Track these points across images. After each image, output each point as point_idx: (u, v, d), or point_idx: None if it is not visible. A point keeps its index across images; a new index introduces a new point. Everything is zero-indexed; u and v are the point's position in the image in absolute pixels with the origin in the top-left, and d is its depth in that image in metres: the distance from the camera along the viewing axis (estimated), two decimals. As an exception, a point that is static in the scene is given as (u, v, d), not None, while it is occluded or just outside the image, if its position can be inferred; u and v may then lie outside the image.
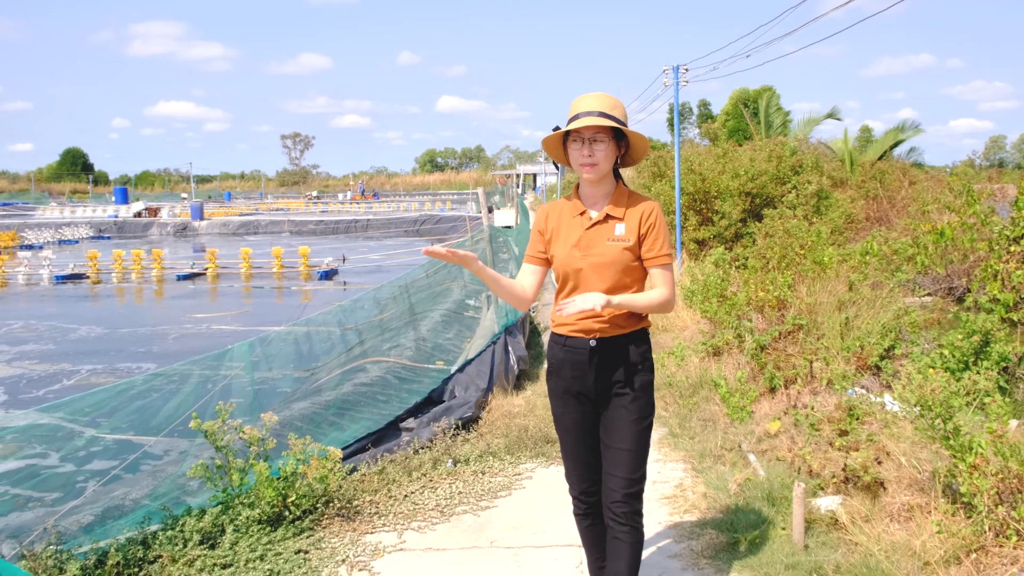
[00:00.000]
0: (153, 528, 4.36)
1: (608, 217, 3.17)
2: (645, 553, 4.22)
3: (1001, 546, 3.63)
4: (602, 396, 3.23)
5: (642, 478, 3.23)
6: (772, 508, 4.48)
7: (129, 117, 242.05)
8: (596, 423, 3.30)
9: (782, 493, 4.59)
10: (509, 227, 28.20)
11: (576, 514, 3.48)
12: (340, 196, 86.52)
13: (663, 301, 3.11)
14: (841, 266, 8.84)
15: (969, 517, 3.80)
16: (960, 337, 5.99)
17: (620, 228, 3.15)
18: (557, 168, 3.21)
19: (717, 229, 13.94)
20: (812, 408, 5.62)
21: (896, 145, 31.24)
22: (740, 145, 21.56)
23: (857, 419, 5.21)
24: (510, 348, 7.94)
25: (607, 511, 3.25)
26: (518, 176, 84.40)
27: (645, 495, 4.90)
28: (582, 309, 2.90)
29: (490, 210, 26.96)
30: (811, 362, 6.35)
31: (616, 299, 3.00)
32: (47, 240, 38.91)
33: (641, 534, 3.25)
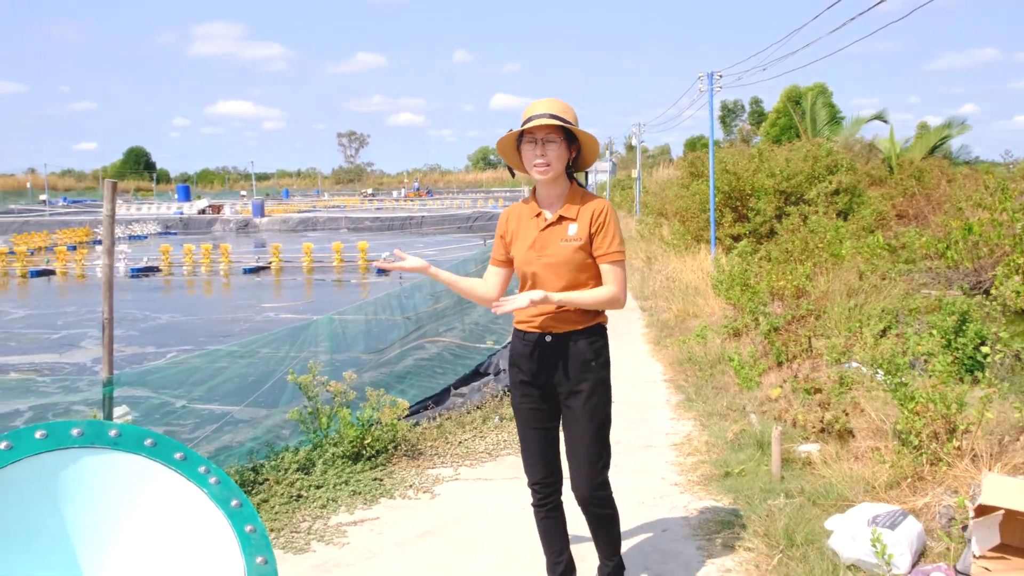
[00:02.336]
0: (260, 461, 5.46)
1: (561, 218, 3.30)
2: (652, 482, 5.22)
3: (934, 474, 4.56)
4: (558, 389, 3.38)
5: (603, 468, 3.41)
6: (760, 452, 5.44)
7: (190, 116, 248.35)
8: (552, 415, 3.45)
9: (770, 440, 5.54)
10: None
11: (533, 505, 3.61)
12: (395, 193, 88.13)
13: (609, 298, 3.26)
14: (855, 258, 9.70)
15: (911, 453, 4.73)
16: (942, 318, 6.87)
17: (573, 228, 3.28)
18: (512, 174, 3.61)
19: (752, 225, 14.80)
20: (807, 377, 6.56)
21: (944, 141, 31.53)
22: (780, 144, 22.27)
23: (848, 386, 6.15)
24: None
25: (577, 500, 3.44)
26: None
27: (658, 440, 5.92)
28: (517, 307, 3.12)
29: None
30: (809, 338, 7.26)
31: (557, 296, 3.18)
32: (118, 236, 40.64)
33: (613, 511, 3.52)
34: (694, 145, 66.64)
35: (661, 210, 22.67)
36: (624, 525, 4.55)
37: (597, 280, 3.32)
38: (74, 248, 32.82)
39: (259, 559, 3.33)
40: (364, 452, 5.64)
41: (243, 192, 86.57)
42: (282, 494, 5.04)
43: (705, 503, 4.84)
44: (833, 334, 7.45)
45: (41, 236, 36.35)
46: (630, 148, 65.05)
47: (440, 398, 7.21)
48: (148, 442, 3.42)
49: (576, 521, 3.69)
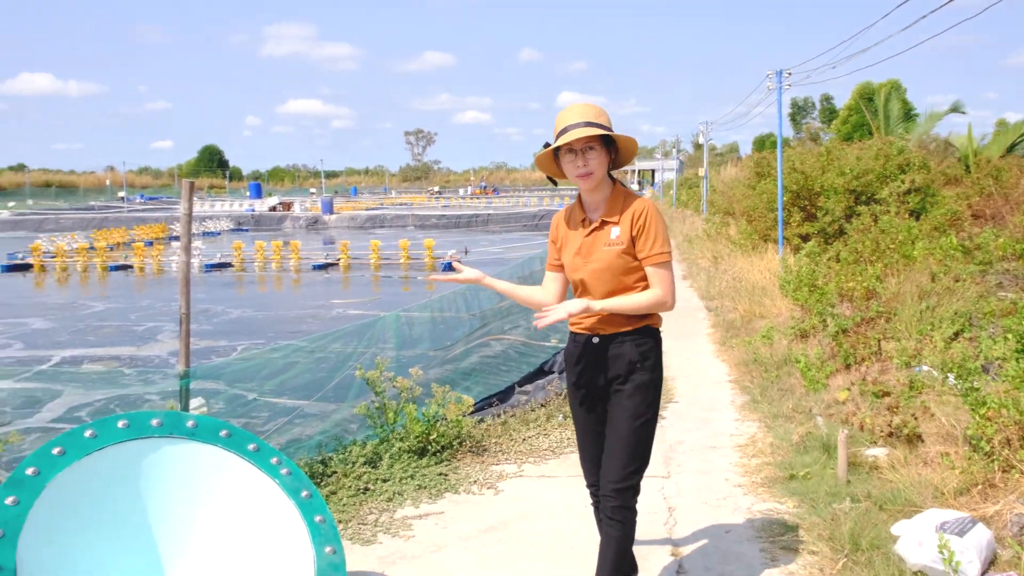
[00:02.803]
0: (328, 454, 5.59)
1: (604, 222, 3.26)
2: (716, 483, 5.21)
3: (1005, 482, 4.48)
4: (605, 391, 3.34)
5: (634, 474, 3.29)
6: (826, 455, 5.39)
7: (261, 115, 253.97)
8: (604, 418, 3.39)
9: (836, 444, 5.48)
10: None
11: (592, 505, 3.61)
12: (461, 191, 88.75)
13: (654, 302, 3.19)
14: (927, 259, 9.51)
15: (982, 459, 4.65)
16: (1018, 321, 6.71)
17: (615, 232, 3.23)
18: (555, 184, 3.67)
19: (820, 225, 14.57)
20: (875, 380, 6.47)
21: (1023, 139, 30.54)
22: (851, 142, 21.86)
23: (918, 390, 6.05)
24: (616, 328, 8.96)
25: (601, 502, 3.37)
26: (636, 172, 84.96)
27: (722, 441, 5.90)
28: (556, 319, 3.10)
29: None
30: (879, 340, 7.15)
31: (598, 305, 3.16)
32: (192, 232, 41.79)
33: (629, 529, 3.33)
34: (763, 143, 65.74)
35: (728, 209, 22.43)
36: (686, 526, 4.59)
37: (647, 283, 3.24)
38: (151, 244, 33.72)
39: (328, 549, 3.44)
40: (429, 447, 5.73)
41: (312, 189, 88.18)
42: (350, 487, 5.16)
43: (769, 505, 4.82)
44: (903, 337, 7.33)
45: (120, 232, 37.48)
46: (697, 146, 64.45)
47: (505, 395, 7.28)
48: (223, 433, 3.56)
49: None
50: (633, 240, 3.20)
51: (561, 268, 3.47)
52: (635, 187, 65.63)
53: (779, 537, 4.37)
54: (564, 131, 3.21)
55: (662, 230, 3.21)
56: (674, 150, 66.74)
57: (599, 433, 3.41)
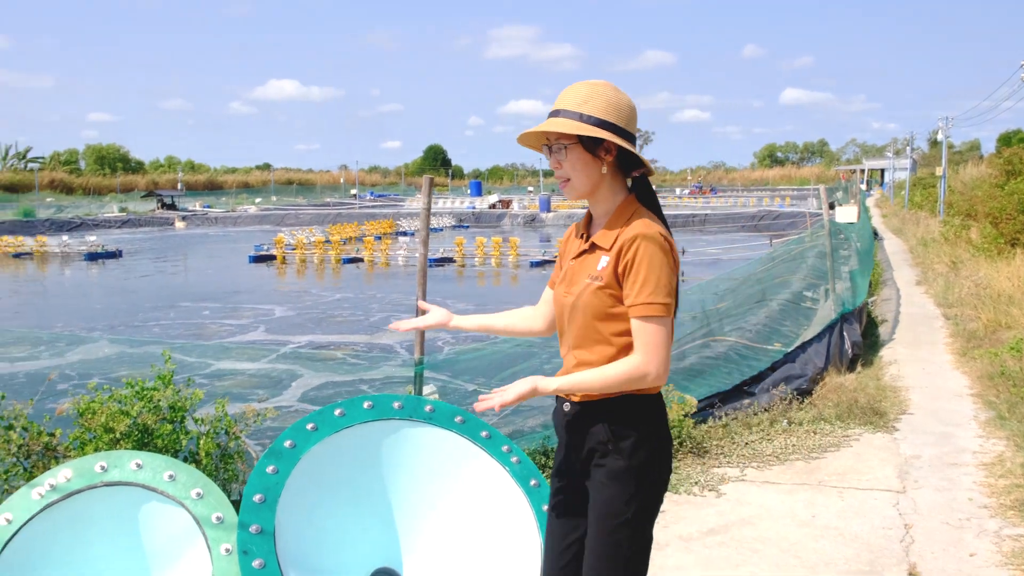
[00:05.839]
0: (550, 446, 5.70)
1: (595, 246, 2.38)
2: (957, 502, 4.88)
3: None
4: (580, 473, 2.44)
5: None
6: (1087, 479, 4.93)
7: (483, 116, 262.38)
8: (578, 507, 2.47)
9: (1099, 468, 5.01)
10: (851, 223, 27.72)
11: None
12: (677, 191, 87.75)
13: (629, 375, 2.25)
14: None
15: None
16: None
17: (603, 261, 2.32)
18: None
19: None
20: None
21: None
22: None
23: None
24: (845, 334, 8.58)
25: None
26: (863, 171, 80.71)
27: (964, 459, 5.56)
28: (497, 404, 2.25)
29: (832, 206, 26.69)
30: None
31: (553, 384, 2.29)
32: (417, 228, 43.75)
33: None
34: (1009, 140, 60.67)
35: (969, 211, 20.95)
36: (925, 545, 4.35)
37: (631, 336, 2.30)
38: (379, 238, 35.55)
39: (556, 537, 3.51)
40: (649, 446, 5.71)
41: (530, 188, 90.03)
42: (571, 479, 5.23)
43: (1020, 530, 4.46)
44: None
45: (352, 227, 39.79)
46: (933, 144, 60.44)
47: (726, 398, 7.13)
48: (458, 419, 3.71)
49: None
50: (619, 279, 2.29)
51: None
52: (863, 187, 62.48)
53: (1032, 565, 4.04)
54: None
55: (658, 271, 2.25)
56: (907, 148, 62.97)
57: (565, 536, 2.50)
